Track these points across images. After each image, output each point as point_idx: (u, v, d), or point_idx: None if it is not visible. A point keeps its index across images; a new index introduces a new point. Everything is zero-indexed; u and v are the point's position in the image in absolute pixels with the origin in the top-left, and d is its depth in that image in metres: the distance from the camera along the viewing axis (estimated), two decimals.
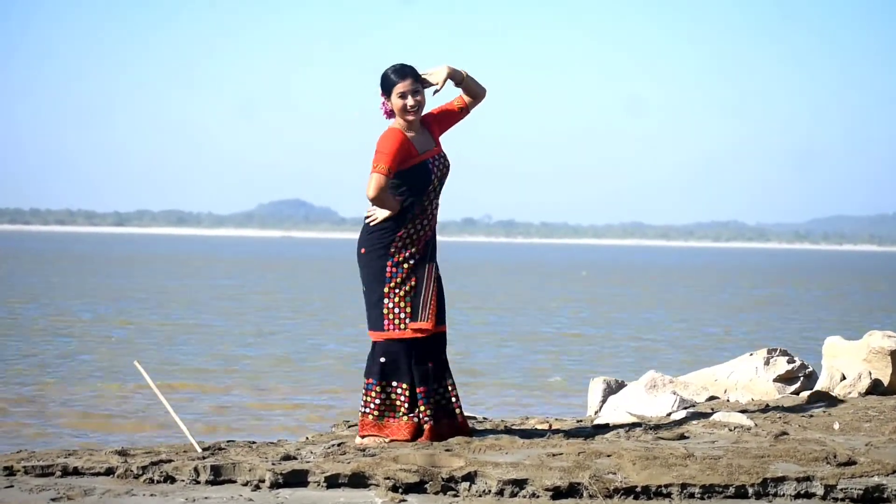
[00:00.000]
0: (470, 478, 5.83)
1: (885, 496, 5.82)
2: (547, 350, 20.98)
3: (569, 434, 7.01)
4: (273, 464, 6.00)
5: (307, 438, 7.23)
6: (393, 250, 6.68)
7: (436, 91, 6.84)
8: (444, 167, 6.80)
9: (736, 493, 5.79)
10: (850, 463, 6.09)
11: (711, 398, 8.86)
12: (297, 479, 5.85)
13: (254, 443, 6.80)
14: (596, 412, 8.59)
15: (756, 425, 7.12)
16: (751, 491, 5.80)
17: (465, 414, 6.98)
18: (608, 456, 6.11)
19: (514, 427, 7.46)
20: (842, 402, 8.16)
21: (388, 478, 5.80)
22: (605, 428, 7.28)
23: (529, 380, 16.74)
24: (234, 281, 46.15)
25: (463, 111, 6.93)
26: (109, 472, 5.98)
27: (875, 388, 8.66)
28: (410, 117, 6.72)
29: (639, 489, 5.76)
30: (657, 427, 7.17)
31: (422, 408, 6.68)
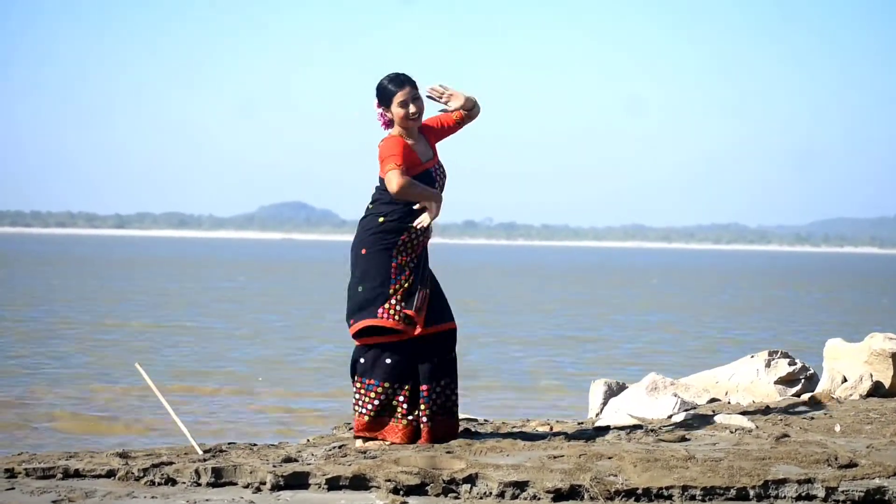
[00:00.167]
0: (471, 480, 5.83)
1: (886, 498, 5.82)
2: (547, 352, 20.97)
3: (570, 436, 7.01)
4: (274, 466, 6.00)
5: (308, 441, 7.24)
6: (395, 252, 6.69)
7: (443, 110, 6.87)
8: (443, 176, 6.87)
9: (737, 496, 5.79)
10: (852, 465, 6.09)
11: (712, 400, 8.86)
12: (298, 482, 5.85)
13: (255, 445, 6.80)
14: (597, 414, 8.59)
15: (757, 427, 7.12)
16: (752, 493, 5.80)
17: (467, 416, 6.98)
18: (609, 458, 6.11)
19: (515, 429, 7.46)
20: (842, 404, 8.16)
21: (389, 480, 5.80)
22: (606, 430, 7.28)
23: (530, 382, 16.74)
24: (235, 283, 46.15)
25: (459, 124, 6.99)
26: (110, 474, 5.99)
27: (876, 390, 8.66)
28: (412, 124, 6.75)
29: (640, 491, 5.76)
30: (658, 429, 7.17)
31: (422, 407, 6.68)
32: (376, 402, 6.70)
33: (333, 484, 5.84)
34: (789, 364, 9.06)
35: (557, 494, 5.73)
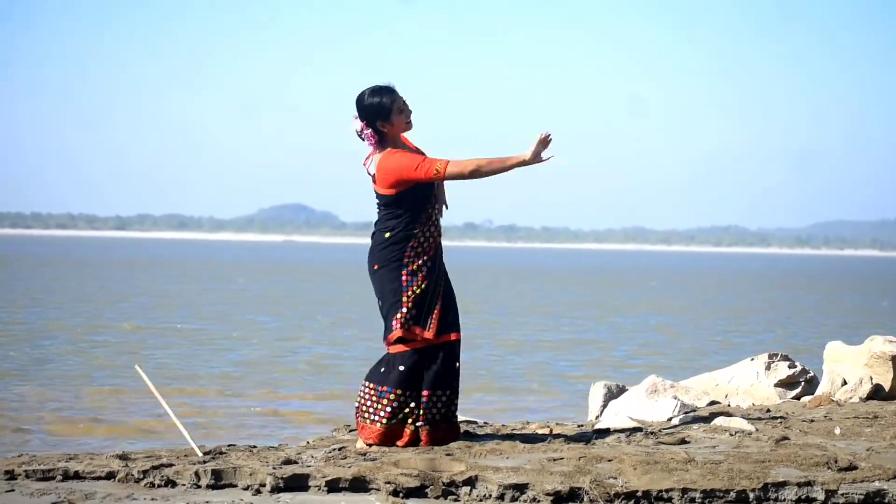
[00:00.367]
0: (471, 482, 5.83)
1: (886, 501, 5.82)
2: (547, 354, 20.98)
3: (570, 439, 7.01)
4: (274, 468, 6.00)
5: (308, 442, 7.23)
6: (406, 260, 6.71)
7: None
8: None
9: (737, 498, 5.79)
10: (851, 468, 6.09)
11: (712, 403, 8.87)
12: (297, 484, 5.85)
13: (254, 447, 6.80)
14: (597, 417, 8.59)
15: (757, 430, 7.12)
16: (752, 496, 5.80)
17: (466, 419, 6.99)
18: (609, 461, 6.11)
19: (514, 432, 7.46)
20: (842, 407, 8.15)
21: (388, 482, 5.80)
22: (605, 432, 7.28)
23: (530, 384, 16.74)
24: (234, 285, 46.15)
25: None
26: (110, 476, 5.99)
27: (876, 393, 8.66)
28: (410, 128, 6.75)
29: (640, 494, 5.76)
30: (658, 432, 7.17)
31: (421, 412, 6.69)
32: (388, 410, 6.71)
33: (333, 486, 5.84)
34: (789, 367, 9.06)
35: (557, 497, 5.73)
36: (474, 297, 38.93)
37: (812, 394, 8.92)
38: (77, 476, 5.98)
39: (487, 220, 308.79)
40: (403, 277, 6.69)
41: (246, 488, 5.86)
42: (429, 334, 6.69)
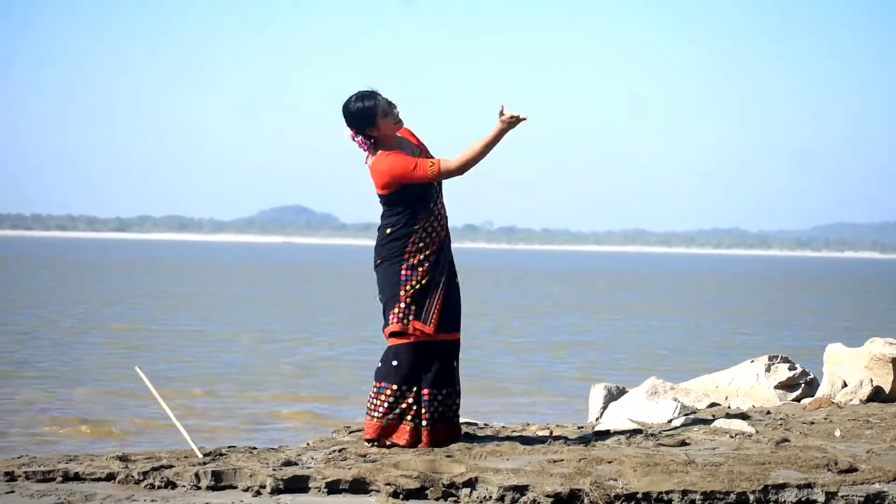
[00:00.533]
0: (471, 484, 5.83)
1: (886, 503, 5.82)
2: (547, 355, 20.98)
3: (570, 440, 7.01)
4: (274, 469, 6.00)
5: (308, 444, 7.23)
6: (407, 255, 6.74)
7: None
8: None
9: (737, 500, 5.79)
10: (852, 470, 6.09)
11: (712, 405, 8.86)
12: (297, 485, 5.85)
13: (255, 448, 6.80)
14: (597, 419, 8.59)
15: (757, 432, 7.12)
16: (752, 498, 5.80)
17: (467, 420, 6.99)
18: (609, 462, 6.11)
19: (514, 433, 7.46)
20: (843, 409, 8.15)
21: (388, 484, 5.80)
22: (606, 434, 7.28)
23: (530, 385, 16.75)
24: (234, 287, 46.15)
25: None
26: (110, 477, 5.99)
27: (876, 395, 8.66)
28: (398, 127, 6.77)
29: (640, 496, 5.76)
30: (658, 433, 7.17)
31: (423, 411, 6.70)
32: (386, 405, 6.73)
33: (333, 487, 5.84)
34: (789, 369, 9.06)
35: (557, 499, 5.73)
36: (474, 299, 38.94)
37: (812, 396, 8.92)
38: (77, 477, 5.98)
39: (488, 222, 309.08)
40: (403, 272, 6.72)
41: (246, 490, 5.86)
42: (428, 329, 6.70)
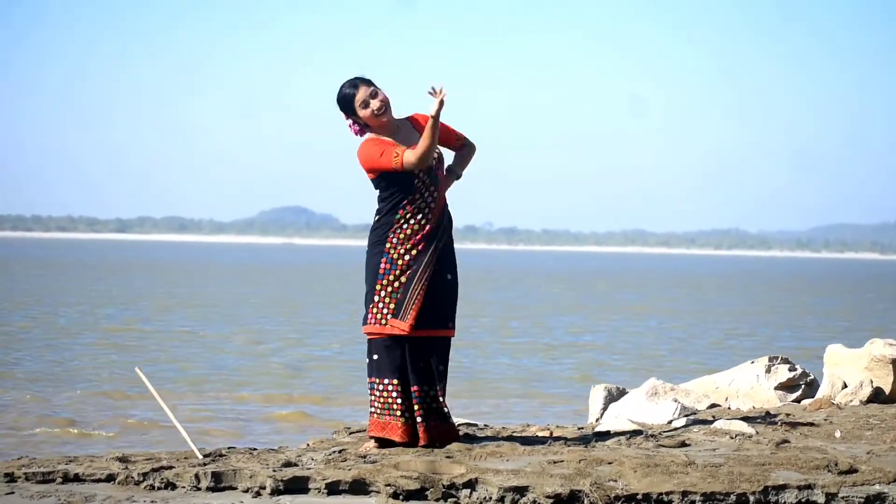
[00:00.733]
0: (471, 485, 5.83)
1: None
2: (547, 356, 20.98)
3: (570, 441, 7.00)
4: (274, 470, 5.99)
5: (308, 445, 7.23)
6: (388, 246, 6.67)
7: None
8: (439, 159, 6.79)
9: (737, 501, 5.79)
10: (852, 471, 6.08)
11: (712, 406, 8.86)
12: (297, 486, 5.85)
13: (254, 449, 6.80)
14: (597, 419, 8.58)
15: (757, 433, 7.12)
16: (752, 499, 5.80)
17: (467, 421, 6.98)
18: (609, 463, 6.11)
19: (514, 434, 7.46)
20: (843, 410, 8.15)
21: (388, 484, 5.80)
22: (606, 435, 7.28)
23: (530, 386, 16.75)
24: (234, 287, 46.14)
25: (457, 149, 6.92)
26: (110, 478, 5.98)
27: (876, 396, 8.65)
28: (384, 119, 6.70)
29: (640, 497, 5.76)
30: (658, 434, 7.16)
31: (415, 407, 6.67)
32: (381, 400, 6.72)
33: (333, 488, 5.84)
34: (789, 370, 9.06)
35: (557, 499, 5.73)
36: (474, 300, 38.93)
37: (812, 397, 8.91)
38: (77, 478, 5.98)
39: (488, 223, 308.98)
40: (382, 265, 6.66)
41: (246, 491, 5.86)
42: (404, 326, 6.63)
